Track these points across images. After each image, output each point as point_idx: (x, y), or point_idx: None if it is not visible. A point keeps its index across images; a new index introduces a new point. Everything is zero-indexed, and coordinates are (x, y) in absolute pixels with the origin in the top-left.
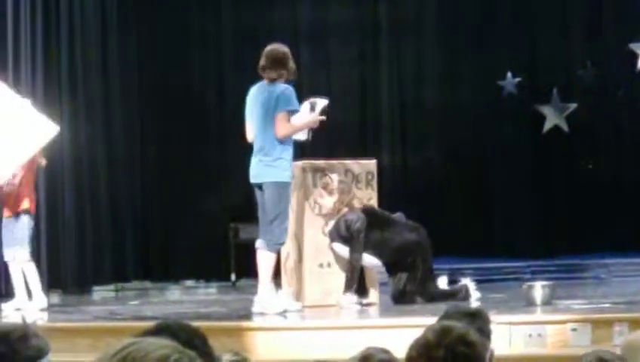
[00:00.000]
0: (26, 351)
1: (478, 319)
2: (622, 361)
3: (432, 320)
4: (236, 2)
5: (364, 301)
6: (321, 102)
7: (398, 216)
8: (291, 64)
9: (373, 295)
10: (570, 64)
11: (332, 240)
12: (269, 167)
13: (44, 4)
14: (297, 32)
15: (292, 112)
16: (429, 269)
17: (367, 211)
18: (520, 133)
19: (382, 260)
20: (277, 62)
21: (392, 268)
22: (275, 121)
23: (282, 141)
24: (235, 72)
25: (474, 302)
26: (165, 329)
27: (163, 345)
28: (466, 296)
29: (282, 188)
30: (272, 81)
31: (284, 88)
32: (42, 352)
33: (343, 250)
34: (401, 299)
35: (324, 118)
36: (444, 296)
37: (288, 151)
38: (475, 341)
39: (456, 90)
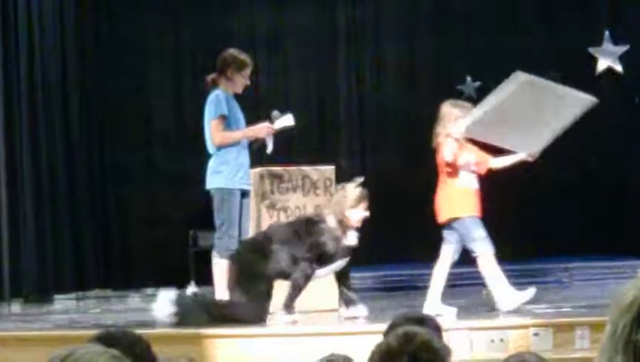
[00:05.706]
0: None
1: (426, 326)
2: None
3: None
4: (194, 10)
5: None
6: (285, 121)
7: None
8: (232, 73)
9: None
10: (531, 67)
11: None
12: (213, 173)
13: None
14: (255, 37)
15: (224, 117)
16: None
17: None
18: None
19: None
20: (217, 66)
21: None
22: (210, 129)
23: (220, 147)
24: (194, 79)
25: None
26: (107, 337)
27: (100, 352)
28: None
29: (224, 194)
30: (213, 85)
31: (214, 94)
32: None
33: None
34: None
35: (271, 128)
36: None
37: (233, 155)
38: (439, 347)
39: (415, 96)
